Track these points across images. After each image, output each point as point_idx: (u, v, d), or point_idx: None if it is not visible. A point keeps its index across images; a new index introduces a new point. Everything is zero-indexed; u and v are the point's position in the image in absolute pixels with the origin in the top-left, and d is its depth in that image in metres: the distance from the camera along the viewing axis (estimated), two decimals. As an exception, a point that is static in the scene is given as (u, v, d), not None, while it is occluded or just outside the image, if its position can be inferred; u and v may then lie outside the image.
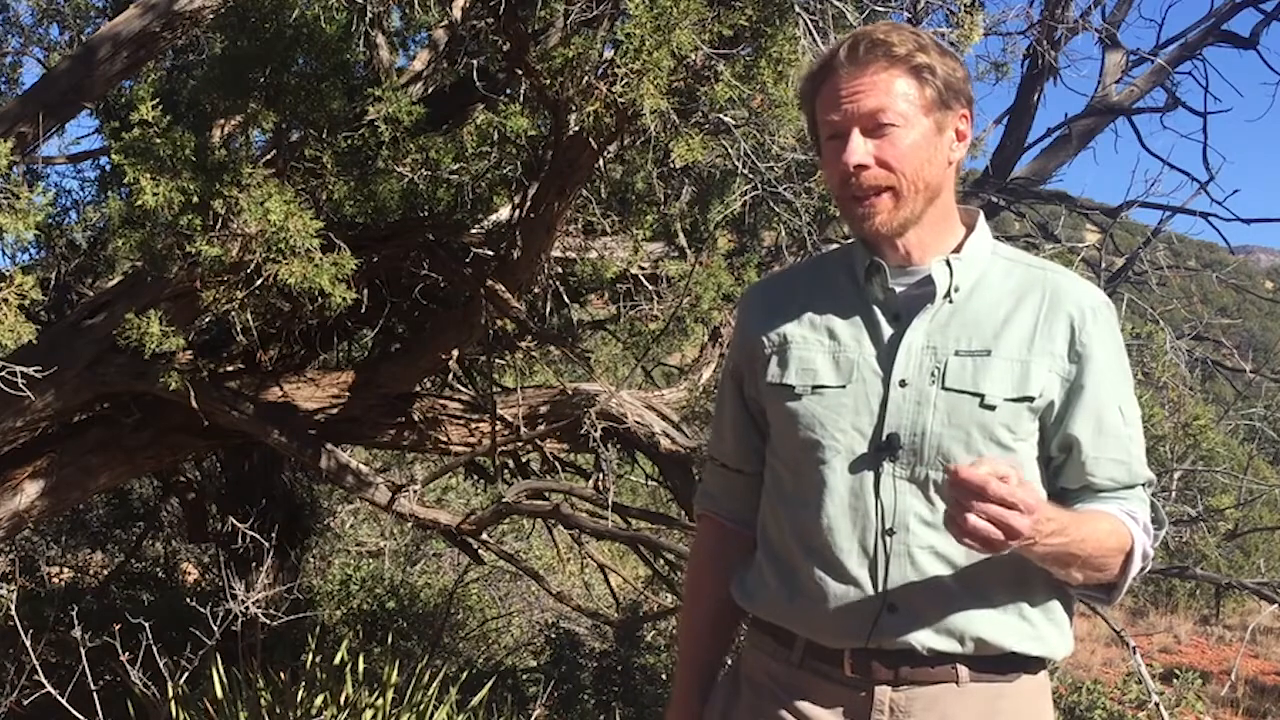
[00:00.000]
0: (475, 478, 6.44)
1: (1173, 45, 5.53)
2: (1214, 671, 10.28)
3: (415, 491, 3.98)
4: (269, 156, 3.56)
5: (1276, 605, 4.67)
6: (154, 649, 3.77)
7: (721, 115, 3.17)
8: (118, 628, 3.82)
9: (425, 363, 4.22)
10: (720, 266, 4.33)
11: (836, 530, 1.52)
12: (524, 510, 4.23)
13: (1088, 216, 6.05)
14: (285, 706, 3.91)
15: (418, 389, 4.45)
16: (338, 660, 4.22)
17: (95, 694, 3.74)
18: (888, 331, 1.54)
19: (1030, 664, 1.56)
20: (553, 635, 6.47)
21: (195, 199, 3.03)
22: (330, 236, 3.14)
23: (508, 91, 3.70)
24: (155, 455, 4.19)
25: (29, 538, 6.79)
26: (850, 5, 3.10)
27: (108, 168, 4.94)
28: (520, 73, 3.20)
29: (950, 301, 1.54)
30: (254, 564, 5.13)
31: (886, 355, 1.53)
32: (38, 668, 3.68)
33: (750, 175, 3.74)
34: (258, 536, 4.47)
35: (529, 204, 3.48)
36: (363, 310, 3.56)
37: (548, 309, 4.36)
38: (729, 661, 1.78)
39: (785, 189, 3.95)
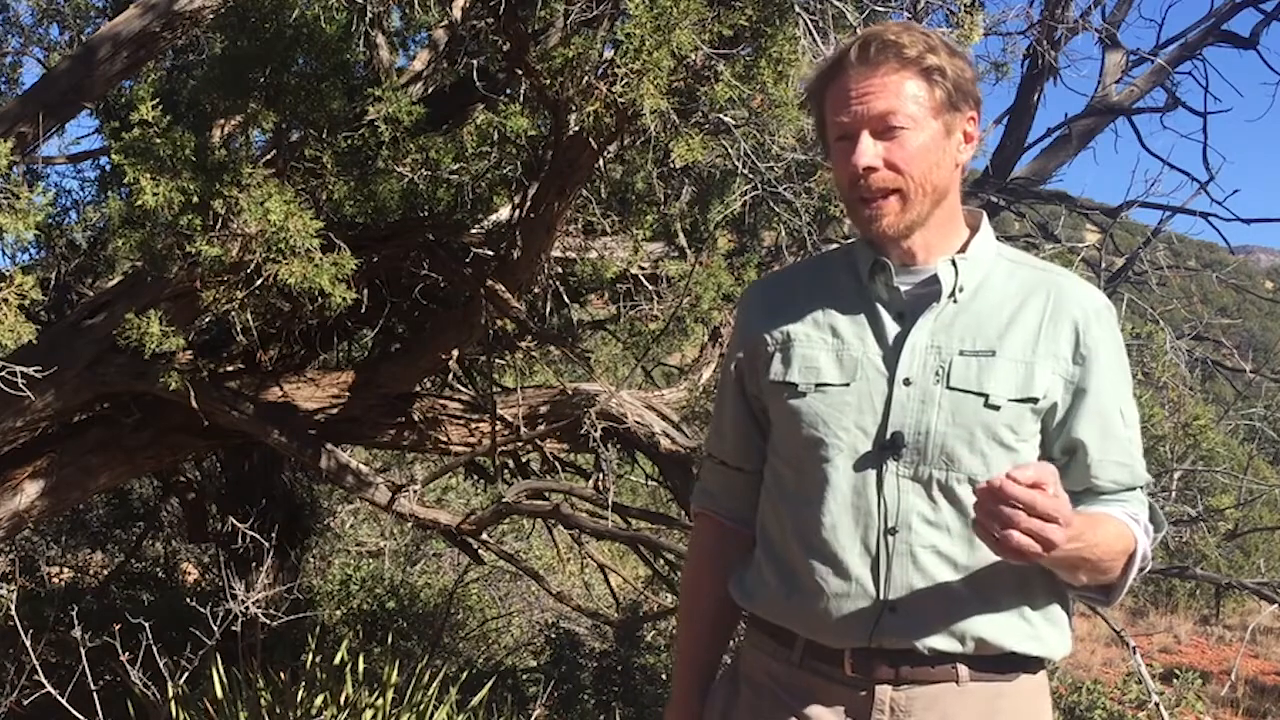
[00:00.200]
0: (475, 478, 6.44)
1: (1173, 45, 5.53)
2: (1214, 671, 10.29)
3: (415, 491, 3.98)
4: (269, 156, 3.56)
5: (1276, 605, 4.67)
6: (154, 649, 3.77)
7: (721, 115, 3.17)
8: (118, 628, 3.82)
9: (425, 363, 4.22)
10: (720, 266, 4.33)
11: (839, 528, 1.52)
12: (524, 510, 4.23)
13: (1088, 216, 6.05)
14: (285, 706, 3.91)
15: (418, 389, 4.45)
16: (338, 660, 4.22)
17: (95, 694, 3.74)
18: (892, 330, 1.54)
19: (1030, 664, 1.56)
20: (553, 635, 6.46)
21: (195, 199, 3.03)
22: (330, 236, 3.14)
23: (508, 91, 3.70)
24: (155, 455, 4.19)
25: (29, 538, 6.79)
26: (850, 5, 3.10)
27: (108, 168, 4.94)
28: (520, 73, 3.20)
29: (955, 301, 1.54)
30: (254, 564, 5.13)
31: (891, 354, 1.53)
32: (38, 668, 3.68)
33: (750, 175, 3.74)
34: (258, 536, 4.47)
35: (529, 204, 3.48)
36: (363, 310, 3.55)
37: (548, 309, 4.36)
38: (727, 661, 1.78)
39: (785, 189, 3.95)
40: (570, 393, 4.24)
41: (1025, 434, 1.51)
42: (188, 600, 5.22)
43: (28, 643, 3.76)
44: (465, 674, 4.80)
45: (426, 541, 8.15)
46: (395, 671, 4.13)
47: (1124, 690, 5.81)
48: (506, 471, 4.95)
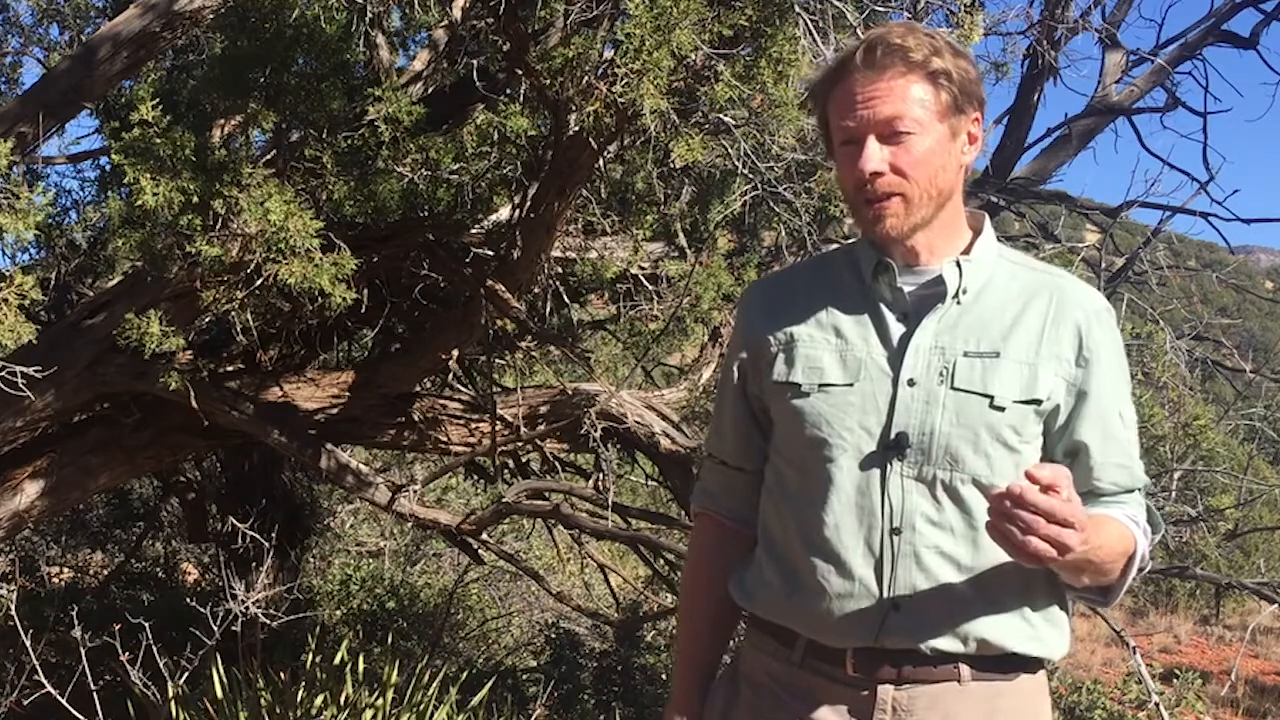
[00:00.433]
0: (475, 478, 6.44)
1: (1173, 45, 5.53)
2: (1214, 671, 10.28)
3: (415, 491, 3.98)
4: (269, 156, 3.56)
5: (1276, 605, 4.67)
6: (154, 649, 3.77)
7: (721, 115, 3.16)
8: (118, 628, 3.82)
9: (425, 363, 4.21)
10: (720, 266, 4.33)
11: (842, 528, 1.52)
12: (524, 510, 4.23)
13: (1088, 216, 6.06)
14: (285, 706, 3.91)
15: (418, 389, 4.45)
16: (338, 660, 4.22)
17: (95, 694, 3.74)
18: (896, 331, 1.54)
19: (1030, 664, 1.56)
20: (553, 635, 6.46)
21: (195, 199, 3.03)
22: (330, 236, 3.14)
23: (508, 91, 3.70)
24: (155, 455, 4.19)
25: (29, 538, 6.78)
26: (850, 5, 3.10)
27: (108, 168, 4.94)
28: (520, 73, 3.20)
29: (959, 303, 1.54)
30: (254, 564, 5.13)
31: (895, 354, 1.53)
32: (38, 668, 3.68)
33: (750, 175, 3.74)
34: (258, 536, 4.47)
35: (529, 204, 3.48)
36: (363, 310, 3.55)
37: (548, 309, 4.36)
38: (727, 660, 1.78)
39: (785, 189, 3.95)
40: (570, 393, 4.24)
41: (1028, 435, 1.51)
42: (188, 600, 5.22)
43: (28, 643, 3.76)
44: (465, 674, 4.80)
45: (426, 541, 8.15)
46: (395, 671, 4.12)
47: (1124, 690, 5.81)
48: (506, 471, 4.95)
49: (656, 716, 5.66)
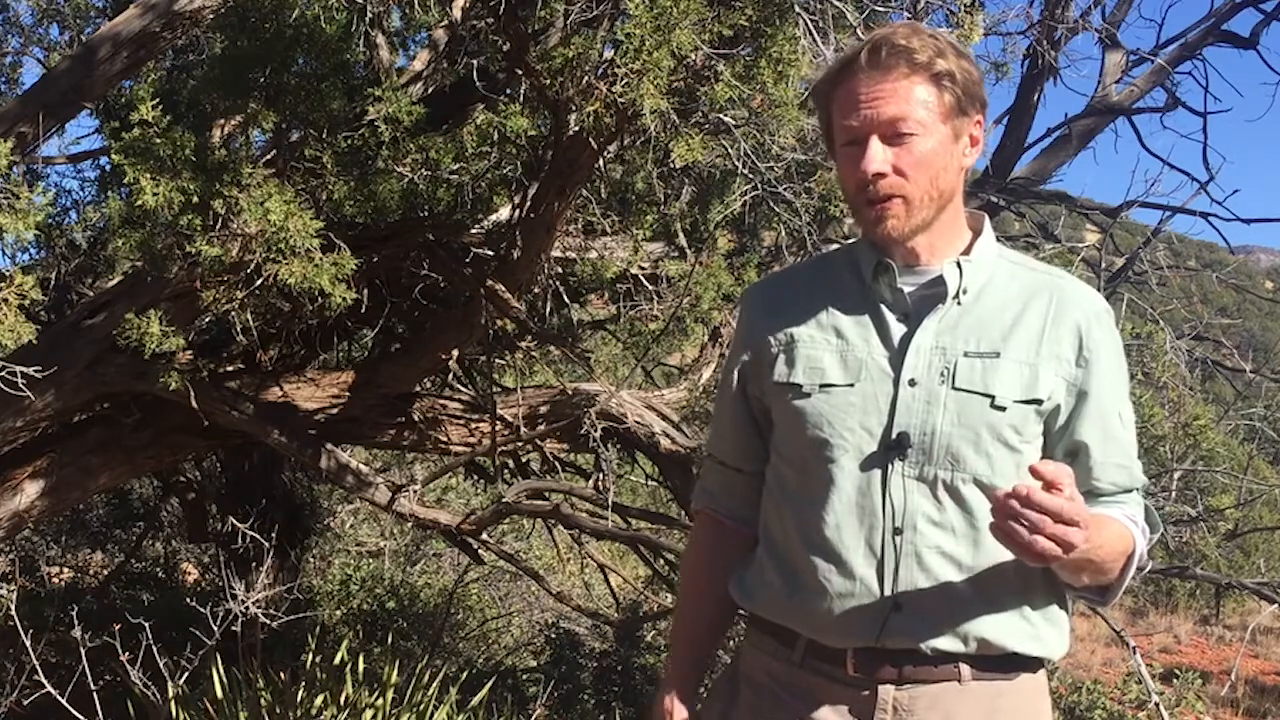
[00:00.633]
0: (475, 478, 6.44)
1: (1173, 45, 5.53)
2: (1214, 671, 10.28)
3: (415, 491, 3.98)
4: (269, 156, 3.56)
5: (1276, 605, 4.67)
6: (154, 649, 3.77)
7: (721, 115, 3.16)
8: (118, 628, 3.82)
9: (425, 363, 4.21)
10: (720, 266, 4.33)
11: (843, 529, 1.52)
12: (524, 510, 4.23)
13: (1088, 216, 6.05)
14: (285, 706, 3.91)
15: (418, 389, 4.45)
16: (338, 660, 4.22)
17: (95, 694, 3.74)
18: (897, 331, 1.54)
19: (1030, 663, 1.57)
20: (553, 635, 6.46)
21: (195, 199, 3.03)
22: (330, 236, 3.14)
23: (508, 91, 3.70)
24: (155, 455, 4.19)
25: (29, 538, 6.78)
26: (850, 5, 3.10)
27: (108, 168, 4.94)
28: (520, 73, 3.20)
29: (959, 303, 1.54)
30: (254, 564, 5.12)
31: (896, 355, 1.53)
32: (38, 668, 3.68)
33: (750, 175, 3.74)
34: (258, 536, 4.47)
35: (529, 204, 3.48)
36: (363, 310, 3.55)
37: (548, 309, 4.36)
38: (727, 660, 1.78)
39: (785, 189, 3.95)
40: (570, 393, 4.24)
41: (1029, 435, 1.51)
42: (188, 600, 5.22)
43: (28, 643, 3.76)
44: (465, 674, 4.80)
45: (426, 541, 8.15)
46: (395, 671, 4.12)
47: (1124, 690, 5.80)
48: (506, 471, 4.95)
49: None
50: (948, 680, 1.52)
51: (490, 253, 3.71)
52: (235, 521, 4.66)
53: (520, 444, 4.28)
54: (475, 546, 4.59)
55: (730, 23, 2.80)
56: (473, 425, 4.32)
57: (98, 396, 3.92)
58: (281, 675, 4.01)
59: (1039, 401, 1.50)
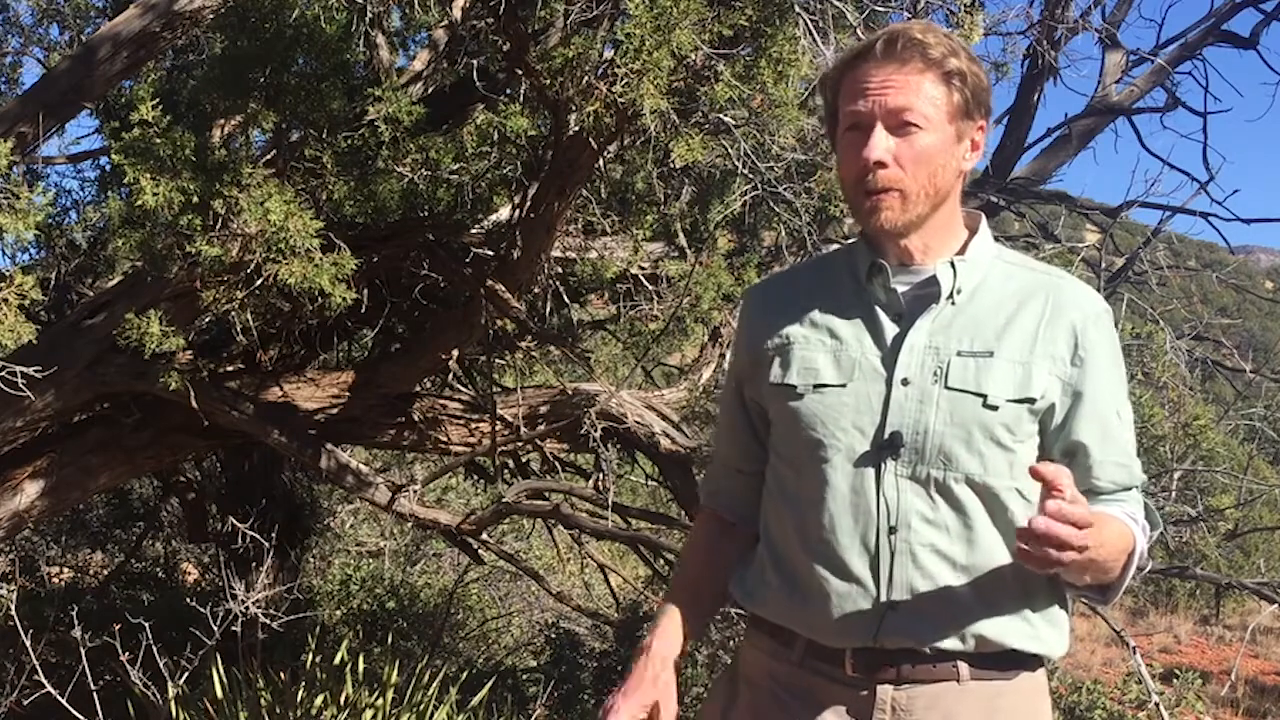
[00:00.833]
0: (475, 478, 6.44)
1: (1173, 45, 5.53)
2: (1214, 671, 10.28)
3: (415, 491, 3.98)
4: (269, 156, 3.56)
5: (1276, 605, 4.67)
6: (154, 649, 3.77)
7: (721, 115, 3.17)
8: (118, 628, 3.82)
9: (425, 363, 4.21)
10: (720, 266, 4.33)
11: (839, 528, 1.52)
12: (524, 510, 4.23)
13: (1088, 216, 6.06)
14: (285, 706, 3.91)
15: (418, 389, 4.45)
16: (338, 660, 4.22)
17: (95, 694, 3.74)
18: (890, 331, 1.55)
19: (1029, 662, 1.56)
20: (553, 635, 6.46)
21: (195, 199, 3.03)
22: (330, 236, 3.14)
23: (508, 91, 3.70)
24: (155, 455, 4.19)
25: (29, 538, 6.78)
26: (850, 5, 3.10)
27: (108, 168, 4.94)
28: (520, 73, 3.20)
29: (953, 303, 1.54)
30: (254, 564, 5.12)
31: (889, 354, 1.53)
32: (38, 668, 3.68)
33: (750, 175, 3.74)
34: (258, 536, 4.47)
35: (529, 204, 3.48)
36: (363, 310, 3.55)
37: (548, 309, 4.36)
38: (727, 660, 1.78)
39: (785, 189, 3.95)
40: (570, 393, 4.24)
41: (1022, 434, 1.51)
42: (188, 600, 5.22)
43: (28, 643, 3.76)
44: (465, 674, 4.80)
45: (426, 541, 8.15)
46: (395, 671, 4.12)
47: (1124, 690, 5.80)
48: (506, 471, 4.95)
49: (656, 716, 5.65)
50: (946, 680, 1.52)
51: (490, 253, 3.71)
52: (235, 521, 4.66)
53: (520, 444, 4.28)
54: (475, 546, 4.59)
55: (730, 23, 2.80)
56: (473, 425, 4.32)
57: (98, 396, 3.92)
58: (281, 675, 4.01)
59: (1032, 400, 1.50)
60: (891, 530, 1.50)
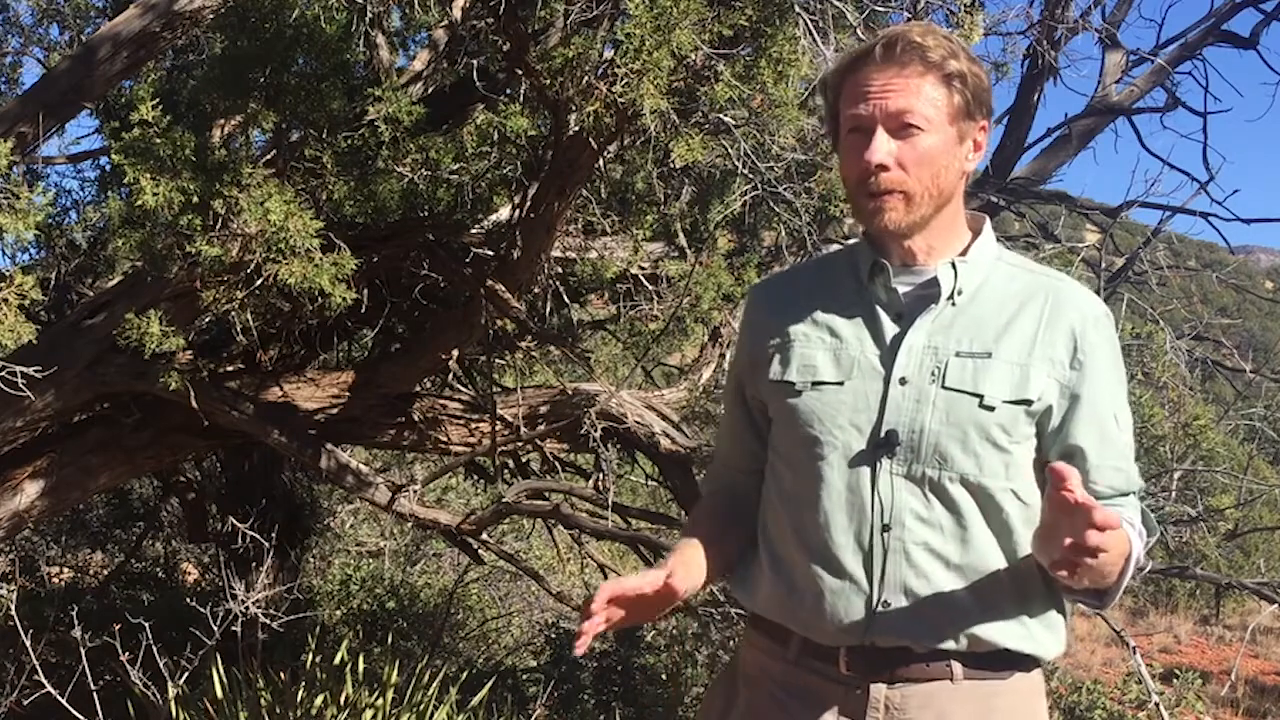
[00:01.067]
0: (475, 478, 6.44)
1: (1173, 45, 5.53)
2: (1214, 671, 10.28)
3: (415, 491, 3.98)
4: (269, 156, 3.56)
5: (1276, 605, 4.67)
6: (154, 649, 3.77)
7: (721, 115, 3.17)
8: (118, 628, 3.82)
9: (425, 363, 4.21)
10: (720, 266, 4.33)
11: (833, 525, 1.52)
12: (524, 510, 4.23)
13: (1088, 216, 6.06)
14: (285, 706, 3.91)
15: (418, 389, 4.45)
16: (338, 660, 4.22)
17: (95, 694, 3.74)
18: (890, 331, 1.55)
19: (1024, 662, 1.56)
20: (553, 635, 6.46)
21: (195, 199, 3.03)
22: (330, 236, 3.14)
23: (508, 91, 3.70)
24: (155, 455, 4.19)
25: (29, 538, 6.78)
26: (850, 5, 3.10)
27: (108, 168, 4.94)
28: (520, 73, 3.20)
29: (953, 304, 1.55)
30: (254, 564, 5.13)
31: (888, 354, 1.54)
32: (38, 668, 3.68)
33: (750, 175, 3.74)
34: (258, 536, 4.47)
35: (529, 204, 3.48)
36: (363, 310, 3.55)
37: (548, 309, 4.36)
38: (726, 659, 1.78)
39: (785, 189, 3.95)
40: (570, 393, 4.24)
41: (1019, 436, 1.52)
42: (188, 600, 5.22)
43: (28, 643, 3.76)
44: (465, 674, 4.80)
45: (426, 541, 8.15)
46: (395, 671, 4.13)
47: (1124, 690, 5.80)
48: (506, 471, 4.95)
49: (657, 716, 5.67)
50: (940, 679, 1.52)
51: (490, 253, 3.71)
52: (235, 521, 4.66)
53: (520, 444, 4.28)
54: (475, 546, 4.59)
55: (730, 23, 2.80)
56: (473, 425, 4.32)
57: (98, 396, 3.92)
58: (281, 675, 4.01)
59: (1029, 402, 1.50)
60: (885, 528, 1.51)
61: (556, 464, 4.68)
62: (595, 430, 4.02)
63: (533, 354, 4.64)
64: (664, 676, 5.90)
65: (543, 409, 4.29)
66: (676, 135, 3.00)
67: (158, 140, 3.06)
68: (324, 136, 3.39)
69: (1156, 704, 4.56)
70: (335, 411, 4.16)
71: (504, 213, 3.75)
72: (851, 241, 1.69)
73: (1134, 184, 6.54)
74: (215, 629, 3.84)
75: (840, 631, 1.53)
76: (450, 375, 4.49)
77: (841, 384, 1.54)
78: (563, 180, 3.32)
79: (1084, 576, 1.36)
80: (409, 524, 5.56)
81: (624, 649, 6.12)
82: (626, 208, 4.32)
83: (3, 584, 5.58)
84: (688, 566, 1.59)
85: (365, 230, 3.53)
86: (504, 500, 4.09)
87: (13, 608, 4.31)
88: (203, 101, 3.64)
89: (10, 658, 4.48)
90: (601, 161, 3.48)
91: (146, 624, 3.83)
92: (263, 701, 3.92)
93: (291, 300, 3.44)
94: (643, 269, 4.20)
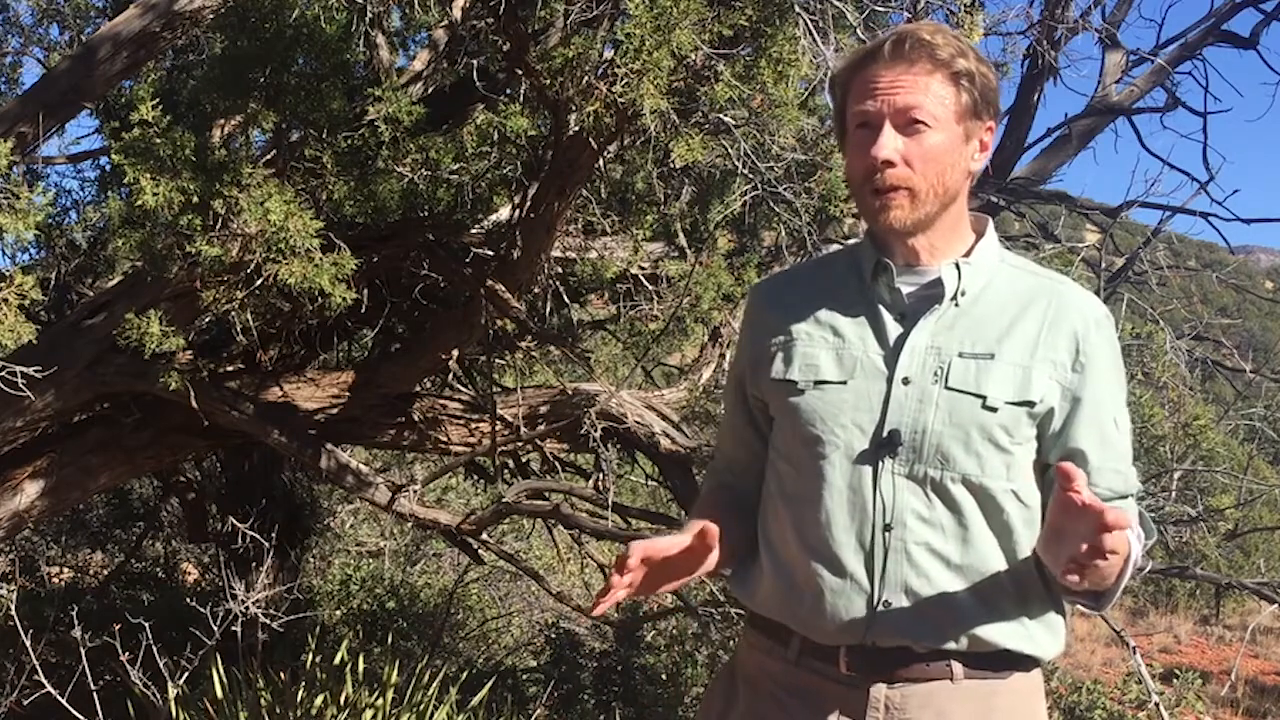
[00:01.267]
0: (475, 478, 6.43)
1: (1173, 45, 5.53)
2: (1214, 671, 10.28)
3: (415, 491, 3.98)
4: (269, 156, 3.56)
5: (1276, 605, 4.67)
6: (154, 649, 3.77)
7: (721, 115, 3.17)
8: (118, 628, 3.82)
9: (425, 363, 4.21)
10: (720, 266, 4.33)
11: (835, 524, 1.52)
12: (524, 510, 4.22)
13: (1088, 216, 6.05)
14: (285, 706, 3.91)
15: (418, 389, 4.45)
16: (338, 660, 4.22)
17: (95, 694, 3.74)
18: (894, 331, 1.55)
19: (1023, 662, 1.57)
20: (553, 635, 6.46)
21: (195, 199, 3.03)
22: (330, 236, 3.14)
23: (508, 91, 3.70)
24: (155, 455, 4.19)
25: (29, 538, 6.78)
26: (850, 5, 3.10)
27: (108, 168, 4.94)
28: (520, 73, 3.20)
29: (957, 305, 1.55)
30: (254, 564, 5.13)
31: (891, 354, 1.54)
32: (38, 668, 3.68)
33: (750, 175, 3.74)
34: (258, 536, 4.47)
35: (529, 204, 3.48)
36: (363, 310, 3.55)
37: (548, 309, 4.36)
38: (725, 658, 1.78)
39: (785, 189, 3.95)
40: (570, 393, 4.24)
41: (1020, 437, 1.52)
42: (188, 600, 5.22)
43: (28, 643, 3.76)
44: (465, 674, 4.80)
45: (426, 541, 8.15)
46: (395, 671, 4.13)
47: (1124, 690, 5.81)
48: (506, 471, 4.95)
49: (657, 716, 5.67)
50: (939, 679, 1.52)
51: (490, 253, 3.71)
52: (235, 521, 4.67)
53: (520, 444, 4.28)
54: (475, 546, 4.59)
55: (730, 23, 2.80)
56: (473, 425, 4.32)
57: (98, 396, 3.92)
58: (281, 675, 4.01)
59: (1031, 404, 1.51)
60: (887, 528, 1.51)
61: (556, 464, 4.68)
62: (595, 430, 4.02)
63: (533, 354, 4.64)
64: (664, 676, 5.90)
65: (543, 409, 4.29)
66: (676, 135, 3.00)
67: (158, 140, 3.06)
68: (324, 136, 3.39)
69: (1156, 704, 4.56)
70: (335, 411, 4.16)
71: (504, 213, 3.75)
72: (853, 241, 1.69)
73: (1134, 184, 6.55)
74: (215, 629, 3.84)
75: (840, 631, 1.53)
76: (450, 375, 4.49)
77: (844, 383, 1.54)
78: (563, 180, 3.32)
79: (1090, 578, 1.36)
80: (409, 524, 5.56)
81: (624, 649, 6.12)
82: (626, 208, 4.31)
83: (3, 584, 5.58)
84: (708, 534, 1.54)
85: (365, 230, 3.53)
86: (504, 500, 4.09)
87: (13, 608, 4.31)
88: (203, 101, 3.64)
89: (10, 658, 4.48)
90: (601, 161, 3.48)
91: (146, 624, 3.83)
92: (263, 701, 3.92)
93: (291, 300, 3.44)
94: (643, 269, 4.20)
